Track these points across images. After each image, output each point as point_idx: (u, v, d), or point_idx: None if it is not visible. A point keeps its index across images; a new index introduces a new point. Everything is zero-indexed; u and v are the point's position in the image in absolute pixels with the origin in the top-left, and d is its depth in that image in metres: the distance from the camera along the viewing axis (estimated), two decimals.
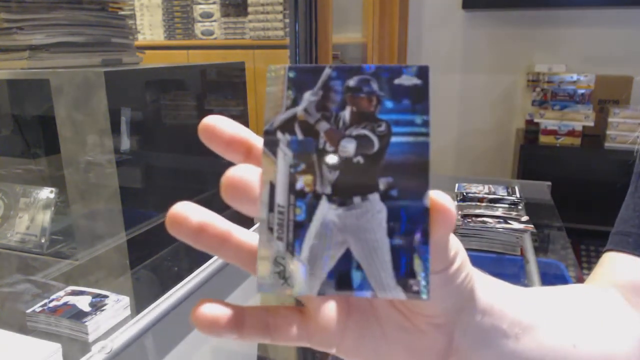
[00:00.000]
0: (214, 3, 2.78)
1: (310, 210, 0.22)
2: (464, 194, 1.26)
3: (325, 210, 0.22)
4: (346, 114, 0.22)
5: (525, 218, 1.12)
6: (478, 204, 1.23)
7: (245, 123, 1.61)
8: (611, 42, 2.52)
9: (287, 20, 2.61)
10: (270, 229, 0.22)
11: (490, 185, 1.33)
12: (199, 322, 0.22)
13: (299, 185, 0.22)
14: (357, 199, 0.22)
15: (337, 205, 0.22)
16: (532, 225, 1.09)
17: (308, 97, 0.22)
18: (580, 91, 2.38)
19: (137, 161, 1.17)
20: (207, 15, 2.81)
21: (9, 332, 0.74)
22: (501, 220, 1.12)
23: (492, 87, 2.76)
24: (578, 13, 2.54)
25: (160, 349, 0.83)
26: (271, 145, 0.22)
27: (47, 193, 1.20)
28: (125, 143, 1.11)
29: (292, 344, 0.24)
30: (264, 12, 2.67)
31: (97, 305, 0.82)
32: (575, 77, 2.38)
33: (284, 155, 0.22)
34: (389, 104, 0.22)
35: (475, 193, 1.26)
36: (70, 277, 1.13)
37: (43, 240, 1.16)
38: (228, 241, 0.23)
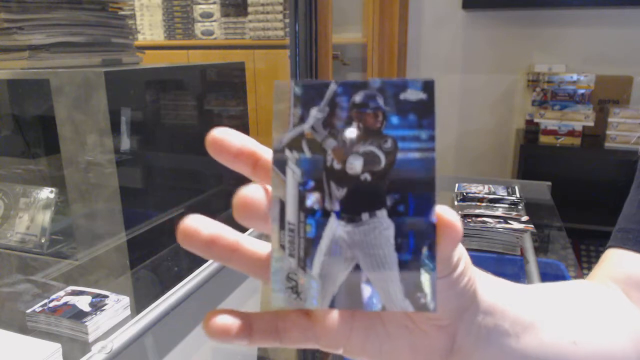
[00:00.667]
0: (214, 3, 2.78)
1: (320, 227, 0.23)
2: (464, 194, 1.26)
3: (335, 227, 0.22)
4: (353, 130, 0.23)
5: (525, 218, 1.12)
6: (478, 204, 1.23)
7: (245, 123, 1.61)
8: (611, 42, 2.52)
9: (287, 20, 2.61)
10: (282, 246, 0.22)
11: (490, 185, 1.33)
12: (211, 332, 0.23)
13: (309, 202, 0.23)
14: (365, 216, 0.22)
15: (346, 222, 0.22)
16: (532, 225, 1.09)
17: (314, 114, 0.23)
18: (580, 91, 2.38)
19: (137, 161, 1.17)
20: (207, 15, 2.81)
21: (9, 332, 0.74)
22: (501, 220, 1.12)
23: (492, 87, 2.76)
24: (578, 13, 2.54)
25: (160, 349, 0.83)
26: (280, 164, 0.23)
27: (47, 193, 1.20)
28: (125, 143, 1.11)
29: (301, 346, 0.25)
30: (264, 12, 2.67)
31: (97, 305, 0.82)
32: (575, 77, 2.38)
33: (293, 173, 0.23)
34: (394, 120, 0.22)
35: (475, 193, 1.26)
36: (70, 277, 1.13)
37: (43, 240, 1.16)
38: (237, 251, 0.24)
